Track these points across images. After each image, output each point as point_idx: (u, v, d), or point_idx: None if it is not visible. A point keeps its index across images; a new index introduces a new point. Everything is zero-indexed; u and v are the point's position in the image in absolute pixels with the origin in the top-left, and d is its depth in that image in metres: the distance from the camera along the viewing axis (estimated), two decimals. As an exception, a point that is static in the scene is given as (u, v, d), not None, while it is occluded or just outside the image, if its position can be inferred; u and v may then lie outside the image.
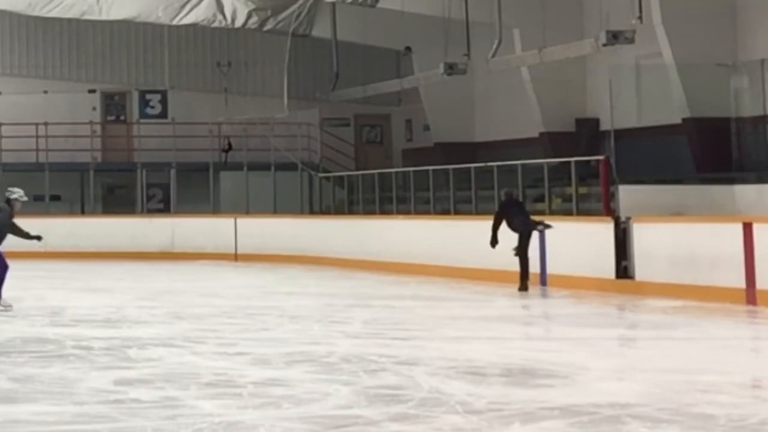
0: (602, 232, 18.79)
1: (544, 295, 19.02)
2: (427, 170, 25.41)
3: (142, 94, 33.60)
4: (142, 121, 33.13)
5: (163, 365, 10.74)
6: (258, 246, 28.57)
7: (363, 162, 31.81)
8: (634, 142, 21.64)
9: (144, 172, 31.71)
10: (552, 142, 24.77)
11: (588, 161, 21.08)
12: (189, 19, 29.02)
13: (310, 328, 13.86)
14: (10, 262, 15.84)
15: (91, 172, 31.63)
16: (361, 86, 29.58)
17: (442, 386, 9.25)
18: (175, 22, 29.33)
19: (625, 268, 18.38)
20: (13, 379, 9.93)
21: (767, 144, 20.11)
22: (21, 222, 16.27)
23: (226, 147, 31.55)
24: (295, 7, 28.87)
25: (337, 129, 32.47)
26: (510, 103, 26.68)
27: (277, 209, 30.07)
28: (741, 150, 20.76)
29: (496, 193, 21.94)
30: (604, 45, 20.47)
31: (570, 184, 20.89)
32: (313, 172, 30.94)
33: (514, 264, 18.89)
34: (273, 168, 30.89)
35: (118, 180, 32.94)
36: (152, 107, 33.51)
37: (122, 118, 33.74)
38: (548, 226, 19.05)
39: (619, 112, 21.42)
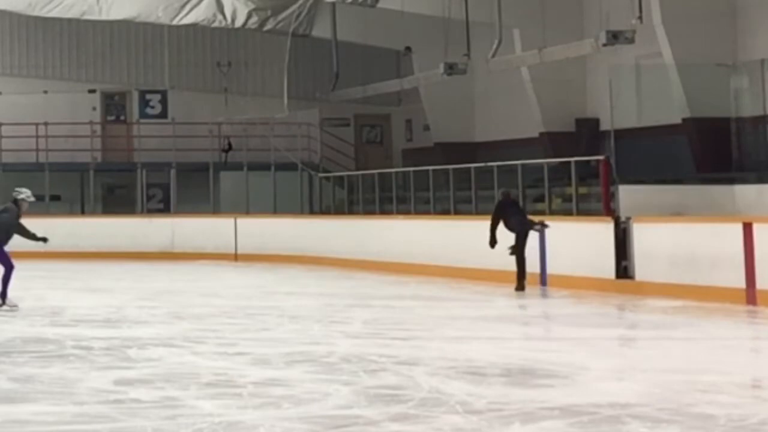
0: (602, 232, 18.79)
1: (544, 295, 19.02)
2: (427, 170, 25.41)
3: (142, 94, 33.60)
4: (142, 121, 33.13)
5: (163, 365, 10.74)
6: (258, 246, 28.57)
7: (363, 162, 31.81)
8: (634, 142, 21.64)
9: (144, 172, 31.71)
10: (552, 142, 24.77)
11: (588, 161, 21.08)
12: (189, 19, 29.02)
13: (310, 328, 13.86)
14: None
15: (91, 172, 31.63)
16: (361, 86, 29.58)
17: (442, 386, 9.25)
18: (175, 22, 29.33)
19: (625, 268, 18.38)
20: (13, 379, 9.93)
21: (767, 144, 20.11)
22: (22, 222, 16.27)
23: (226, 147, 31.55)
24: (295, 7, 28.87)
25: (337, 129, 32.47)
26: (510, 103, 26.68)
27: (277, 209, 30.07)
28: (741, 150, 20.76)
29: (496, 193, 21.91)
30: (604, 45, 20.48)
31: (570, 184, 20.89)
32: (313, 172, 30.94)
33: (514, 264, 18.88)
34: (273, 168, 30.89)
35: (118, 180, 32.94)
36: (152, 107, 33.51)
37: (122, 118, 33.74)
38: (545, 226, 19.06)
39: (619, 112, 21.42)
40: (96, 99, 33.43)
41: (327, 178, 30.85)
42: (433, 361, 10.75)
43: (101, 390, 9.34)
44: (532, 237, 19.21)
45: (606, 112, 22.33)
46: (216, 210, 30.85)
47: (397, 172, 27.76)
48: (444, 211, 24.51)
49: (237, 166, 31.01)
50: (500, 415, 8.08)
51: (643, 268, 18.01)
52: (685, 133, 21.18)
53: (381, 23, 27.86)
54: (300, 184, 30.87)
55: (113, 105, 33.79)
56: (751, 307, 15.70)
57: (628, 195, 19.03)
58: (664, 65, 21.09)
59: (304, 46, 31.23)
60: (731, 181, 19.49)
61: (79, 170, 31.57)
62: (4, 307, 15.72)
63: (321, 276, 23.46)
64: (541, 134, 25.15)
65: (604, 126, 23.45)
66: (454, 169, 24.46)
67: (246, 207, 30.21)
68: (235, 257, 28.90)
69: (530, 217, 19.26)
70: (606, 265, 18.50)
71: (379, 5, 25.84)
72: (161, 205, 32.18)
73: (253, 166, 30.84)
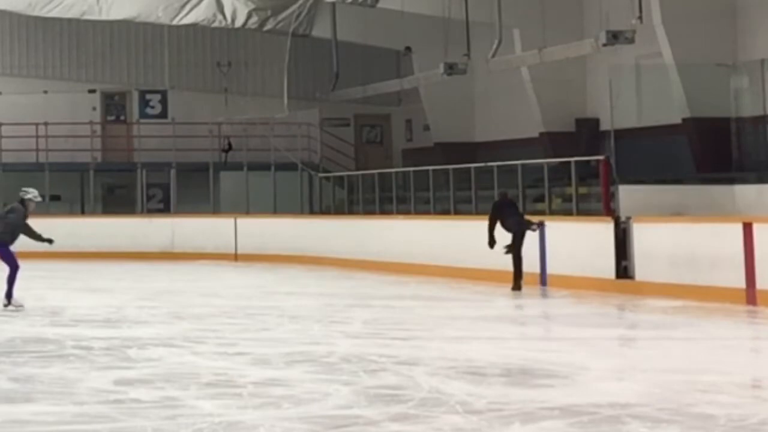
0: (602, 232, 18.79)
1: (543, 295, 19.03)
2: (427, 170, 25.41)
3: (142, 94, 33.60)
4: (142, 121, 33.13)
5: (163, 365, 10.74)
6: (258, 246, 28.57)
7: (363, 162, 31.81)
8: (634, 142, 21.64)
9: (144, 172, 31.71)
10: (552, 142, 24.77)
11: (588, 161, 21.08)
12: (189, 19, 29.02)
13: (310, 328, 13.86)
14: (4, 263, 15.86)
15: (91, 172, 31.63)
16: (361, 86, 29.58)
17: (442, 386, 9.25)
18: (175, 22, 29.33)
19: (625, 268, 18.38)
20: (13, 379, 9.94)
21: (767, 144, 20.11)
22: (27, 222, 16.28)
23: (226, 147, 31.55)
24: (295, 7, 28.87)
25: (337, 129, 32.47)
26: (510, 103, 26.68)
27: (277, 209, 30.07)
28: (741, 150, 20.76)
29: (496, 193, 21.94)
30: (604, 45, 20.48)
31: (570, 184, 20.89)
32: (313, 172, 30.94)
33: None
34: (273, 168, 30.89)
35: (118, 180, 32.94)
36: (152, 107, 33.51)
37: (122, 118, 33.74)
38: (541, 225, 19.06)
39: (619, 112, 21.42)
40: (96, 99, 33.43)
41: (327, 178, 30.86)
42: (433, 361, 10.75)
43: (101, 390, 9.34)
44: (534, 237, 19.24)
45: (606, 112, 22.33)
46: (216, 210, 30.85)
47: (397, 172, 27.76)
48: (444, 211, 24.51)
49: (237, 166, 31.00)
50: (500, 415, 8.08)
51: (643, 268, 18.01)
52: (685, 133, 21.18)
53: (381, 23, 27.85)
54: (300, 184, 30.87)
55: (113, 105, 33.79)
56: (751, 307, 15.70)
57: (628, 195, 19.03)
58: (664, 65, 21.09)
59: (304, 46, 31.23)
60: (731, 181, 19.49)
61: (79, 170, 31.56)
62: (10, 307, 15.71)
63: (321, 276, 23.46)
64: (541, 134, 25.15)
65: (604, 126, 23.45)
66: (454, 169, 24.46)
67: (246, 207, 30.21)
68: (235, 257, 28.90)
69: (527, 216, 19.28)
70: (606, 265, 18.50)
71: (379, 5, 25.84)
72: (161, 205, 32.18)
73: (253, 166, 30.84)
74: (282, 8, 28.90)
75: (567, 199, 21.25)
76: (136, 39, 33.35)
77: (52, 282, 21.28)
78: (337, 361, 10.75)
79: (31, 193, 16.17)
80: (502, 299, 18.02)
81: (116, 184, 33.04)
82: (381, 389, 9.20)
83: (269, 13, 28.89)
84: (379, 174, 27.95)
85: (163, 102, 33.41)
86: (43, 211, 28.76)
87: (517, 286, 18.65)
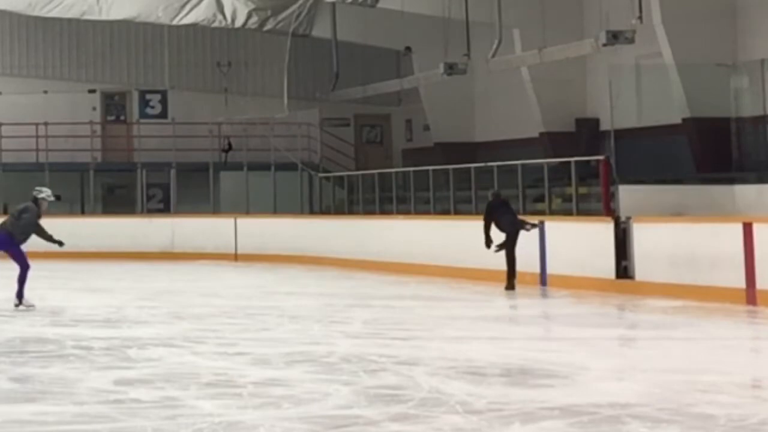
0: (602, 232, 18.79)
1: (543, 295, 19.03)
2: (427, 170, 25.41)
3: (142, 94, 33.60)
4: (142, 121, 33.14)
5: (163, 365, 10.74)
6: (258, 246, 28.57)
7: (363, 162, 31.82)
8: (634, 142, 21.65)
9: (144, 172, 31.72)
10: (552, 142, 24.77)
11: (588, 161, 21.08)
12: (189, 19, 29.02)
13: (310, 328, 13.86)
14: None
15: (91, 172, 31.63)
16: (361, 86, 29.58)
17: (442, 386, 9.25)
18: (175, 22, 29.33)
19: (625, 268, 18.38)
20: (13, 379, 9.94)
21: (767, 144, 20.11)
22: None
23: (226, 147, 31.55)
24: (295, 7, 28.87)
25: (337, 129, 32.48)
26: (510, 103, 26.69)
27: (277, 209, 30.07)
28: (741, 150, 20.76)
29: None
30: (604, 45, 20.47)
31: (570, 184, 20.89)
32: (313, 172, 30.94)
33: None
34: (273, 168, 30.89)
35: (118, 180, 32.94)
36: (152, 107, 33.51)
37: (122, 118, 33.74)
38: (535, 226, 19.08)
39: (619, 112, 21.42)
40: (96, 99, 33.43)
41: (327, 178, 30.86)
42: (433, 361, 10.75)
43: (101, 390, 9.34)
44: (534, 236, 19.26)
45: (606, 112, 22.33)
46: (216, 210, 30.85)
47: (397, 172, 27.76)
48: (444, 211, 24.51)
49: (237, 166, 31.00)
50: (500, 415, 8.08)
51: (643, 268, 18.01)
52: (685, 133, 21.18)
53: (381, 23, 27.85)
54: (300, 184, 30.87)
55: (113, 105, 33.80)
56: (751, 307, 15.70)
57: (628, 195, 19.03)
58: (664, 65, 21.09)
59: (304, 46, 31.23)
60: (731, 181, 19.49)
61: (79, 170, 31.56)
62: (21, 307, 15.69)
63: (321, 276, 23.46)
64: (541, 134, 25.15)
65: (604, 126, 23.46)
66: (454, 169, 24.46)
67: (246, 207, 30.21)
68: (235, 257, 28.90)
69: (521, 217, 19.30)
70: (606, 265, 18.50)
71: (379, 5, 25.84)
72: (161, 205, 32.18)
73: (253, 166, 30.84)
74: (282, 8, 28.90)
75: (567, 199, 21.25)
76: (136, 39, 33.35)
77: (52, 282, 21.26)
78: (337, 361, 10.75)
79: (45, 192, 16.11)
80: (502, 299, 18.03)
81: (116, 184, 33.04)
82: (381, 389, 9.20)
83: (269, 13, 28.89)
84: (379, 174, 27.95)
85: (163, 102, 33.42)
86: (44, 210, 28.89)
87: (510, 286, 18.71)
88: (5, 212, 30.23)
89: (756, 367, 11.23)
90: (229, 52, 33.22)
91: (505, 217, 18.84)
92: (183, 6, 28.85)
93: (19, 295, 15.77)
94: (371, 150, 32.61)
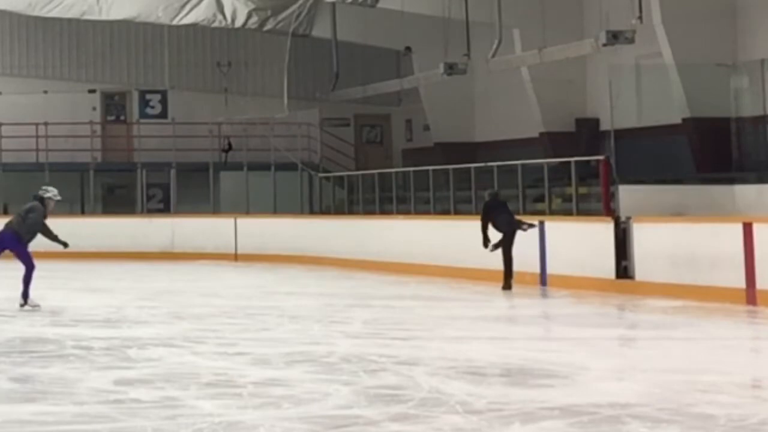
0: (602, 232, 18.79)
1: (543, 295, 19.03)
2: (427, 170, 25.41)
3: (142, 94, 33.60)
4: (142, 121, 33.14)
5: (163, 365, 10.74)
6: (258, 246, 28.57)
7: (363, 162, 31.82)
8: (634, 142, 21.65)
9: (144, 172, 31.72)
10: (552, 142, 24.77)
11: (588, 161, 21.08)
12: (189, 19, 29.02)
13: (310, 328, 13.86)
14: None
15: (91, 172, 31.63)
16: (361, 86, 29.58)
17: (442, 386, 9.25)
18: (175, 22, 29.33)
19: (625, 268, 18.38)
20: (13, 379, 9.94)
21: (767, 144, 20.11)
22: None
23: (226, 147, 31.56)
24: (295, 7, 28.87)
25: (337, 129, 32.48)
26: (510, 103, 26.69)
27: (277, 209, 30.07)
28: (741, 150, 20.76)
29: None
30: (604, 45, 20.47)
31: (570, 184, 20.90)
32: (313, 172, 30.94)
33: (514, 264, 18.90)
34: (273, 168, 30.89)
35: (118, 180, 32.94)
36: (152, 107, 33.51)
37: (122, 118, 33.75)
38: (532, 226, 19.09)
39: (619, 112, 21.42)
40: (96, 99, 33.43)
41: (327, 178, 30.86)
42: (433, 361, 10.75)
43: (101, 390, 9.34)
44: (534, 236, 19.26)
45: (606, 112, 22.33)
46: (216, 210, 30.85)
47: (397, 172, 27.76)
48: (444, 211, 24.51)
49: (237, 166, 31.01)
50: (500, 415, 8.08)
51: (643, 268, 18.01)
52: (685, 133, 21.18)
53: (381, 23, 27.85)
54: (300, 184, 30.87)
55: (113, 105, 33.80)
56: (751, 307, 15.70)
57: (628, 195, 19.03)
58: (664, 65, 21.09)
59: (304, 46, 31.23)
60: (731, 181, 19.49)
61: (79, 170, 31.55)
62: (26, 307, 15.67)
63: (321, 276, 23.46)
64: (541, 134, 25.15)
65: (604, 126, 23.46)
66: (454, 169, 24.46)
67: (246, 207, 30.21)
68: (235, 257, 28.89)
69: (518, 217, 19.32)
70: (606, 265, 18.50)
71: (379, 5, 25.84)
72: (161, 205, 32.18)
73: (253, 166, 30.84)
74: (282, 8, 28.90)
75: (567, 199, 21.25)
76: (136, 39, 33.35)
77: (52, 282, 21.24)
78: (337, 361, 10.75)
79: (51, 192, 16.07)
80: (502, 299, 18.03)
81: (116, 184, 33.04)
82: (381, 389, 9.20)
83: (269, 13, 28.89)
84: (379, 174, 27.95)
85: (163, 102, 33.42)
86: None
87: (507, 286, 18.74)
88: (5, 212, 30.28)
89: (756, 367, 11.23)
90: (229, 52, 33.22)
91: (502, 217, 18.88)
92: (183, 6, 28.85)
93: (25, 295, 15.75)
94: (371, 150, 32.61)
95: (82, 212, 31.70)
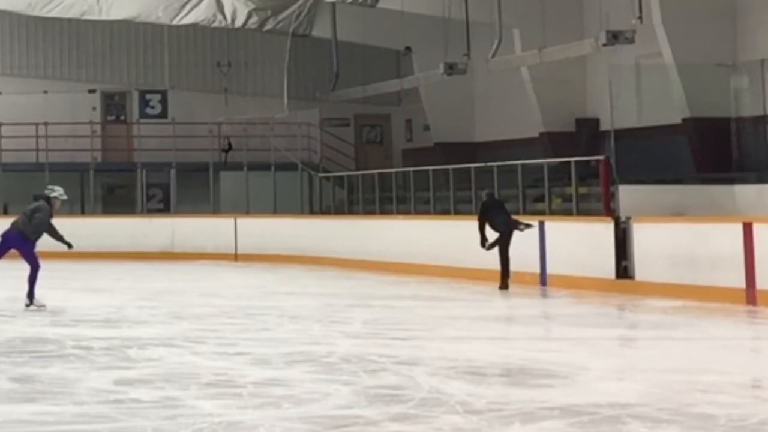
0: (602, 232, 18.79)
1: (543, 295, 19.03)
2: (427, 170, 25.41)
3: (142, 94, 33.61)
4: (142, 121, 33.14)
5: (163, 365, 10.74)
6: (258, 246, 28.57)
7: (363, 162, 31.82)
8: (634, 142, 21.64)
9: (144, 172, 31.72)
10: (552, 142, 24.77)
11: (588, 161, 21.08)
12: (189, 19, 29.02)
13: (310, 328, 13.86)
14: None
15: (91, 172, 31.63)
16: (361, 86, 29.58)
17: (442, 386, 9.25)
18: (175, 22, 29.33)
19: (625, 268, 18.38)
20: (13, 379, 9.94)
21: (767, 144, 20.11)
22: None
23: (226, 147, 31.56)
24: (295, 7, 28.87)
25: (337, 129, 32.48)
26: (510, 103, 26.69)
27: (277, 209, 30.07)
28: (741, 150, 20.76)
29: (496, 193, 21.95)
30: (604, 45, 20.48)
31: (570, 184, 20.90)
32: (313, 172, 30.94)
33: (514, 264, 18.92)
34: (273, 168, 30.89)
35: (118, 180, 32.94)
36: (152, 107, 33.51)
37: (122, 118, 33.75)
38: (529, 226, 19.10)
39: (619, 112, 21.42)
40: (96, 99, 33.43)
41: (327, 178, 30.86)
42: (433, 361, 10.75)
43: (101, 390, 9.34)
44: (533, 236, 19.27)
45: (606, 112, 22.33)
46: (216, 210, 30.85)
47: (397, 172, 27.76)
48: (444, 211, 24.50)
49: (237, 166, 31.01)
50: (500, 415, 8.08)
51: (643, 268, 18.01)
52: (685, 133, 21.18)
53: (381, 23, 27.85)
54: (300, 184, 30.87)
55: (113, 105, 33.80)
56: (751, 307, 15.70)
57: (628, 195, 19.03)
58: (664, 65, 21.09)
59: (304, 46, 31.23)
60: (731, 181, 19.50)
61: (79, 170, 31.54)
62: (32, 307, 15.65)
63: (321, 276, 23.46)
64: (541, 134, 25.15)
65: (604, 126, 23.46)
66: (454, 169, 24.46)
67: (246, 207, 30.21)
68: (235, 257, 28.89)
69: (515, 217, 19.33)
70: (606, 265, 18.50)
71: (379, 5, 25.84)
72: (161, 205, 32.19)
73: (253, 166, 30.84)
74: (282, 8, 28.90)
75: (567, 199, 21.25)
76: (136, 39, 33.35)
77: (52, 282, 21.23)
78: (337, 361, 10.75)
79: (57, 191, 16.04)
80: (502, 299, 18.03)
81: (116, 184, 33.04)
82: (381, 389, 9.20)
83: (269, 13, 28.89)
84: (379, 174, 27.95)
85: (163, 102, 33.42)
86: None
87: (504, 285, 18.78)
88: (5, 212, 30.30)
89: (756, 367, 11.23)
90: (229, 52, 33.22)
91: (499, 217, 18.93)
92: (183, 6, 28.85)
93: (30, 295, 15.72)
94: (371, 150, 32.61)
95: (82, 212, 31.69)
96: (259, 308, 16.77)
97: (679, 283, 17.04)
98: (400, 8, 25.04)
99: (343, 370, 10.18)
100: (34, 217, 15.74)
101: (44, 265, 15.96)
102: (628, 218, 18.51)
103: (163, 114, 33.18)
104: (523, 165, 22.19)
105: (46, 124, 31.35)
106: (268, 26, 29.02)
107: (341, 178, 30.16)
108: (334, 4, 28.01)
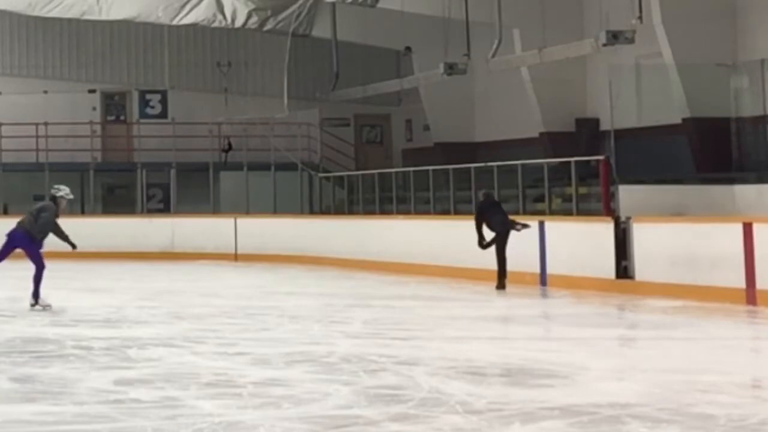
0: (602, 232, 18.79)
1: (543, 295, 19.03)
2: (427, 170, 25.41)
3: (142, 94, 33.61)
4: (142, 121, 33.14)
5: (163, 365, 10.74)
6: (258, 246, 28.57)
7: (363, 162, 31.82)
8: (634, 142, 21.65)
9: (144, 172, 31.72)
10: (552, 142, 24.78)
11: (588, 161, 21.08)
12: (189, 19, 29.02)
13: (310, 328, 13.86)
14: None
15: (91, 172, 31.62)
16: (361, 86, 29.58)
17: (442, 386, 9.25)
18: (175, 22, 29.33)
19: (625, 268, 18.38)
20: (13, 379, 9.94)
21: (767, 144, 20.11)
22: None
23: (226, 147, 31.56)
24: (295, 7, 28.87)
25: (337, 129, 32.48)
26: (510, 103, 26.69)
27: (277, 209, 30.07)
28: (741, 150, 20.76)
29: (496, 193, 21.96)
30: (604, 45, 20.48)
31: (570, 184, 20.90)
32: (313, 172, 30.94)
33: (514, 264, 18.93)
34: (273, 168, 30.89)
35: (118, 180, 32.94)
36: (152, 107, 33.51)
37: (122, 118, 33.75)
38: (526, 226, 19.10)
39: (619, 112, 21.42)
40: (96, 99, 33.44)
41: (327, 178, 30.86)
42: (433, 361, 10.75)
43: (101, 390, 9.34)
44: (532, 236, 19.27)
45: (606, 112, 22.33)
46: (216, 210, 30.85)
47: (397, 172, 27.76)
48: (444, 211, 24.51)
49: (237, 166, 31.01)
50: (500, 415, 8.08)
51: (643, 268, 18.01)
52: (685, 133, 21.18)
53: (381, 23, 27.85)
54: (300, 184, 30.87)
55: (113, 105, 33.80)
56: (751, 307, 15.70)
57: (628, 195, 19.04)
58: (664, 65, 21.09)
59: (304, 46, 31.23)
60: (731, 181, 19.50)
61: (79, 170, 31.51)
62: (37, 307, 15.63)
63: (321, 276, 23.46)
64: (541, 134, 25.15)
65: (604, 126, 23.46)
66: (454, 169, 24.46)
67: (246, 207, 30.21)
68: (235, 257, 28.89)
69: (513, 217, 19.34)
70: (606, 265, 18.50)
71: (379, 5, 25.84)
72: (161, 205, 32.19)
73: (253, 166, 30.84)
74: (282, 8, 28.90)
75: (567, 199, 21.26)
76: (136, 39, 33.35)
77: (52, 282, 21.20)
78: (337, 361, 10.75)
79: (63, 191, 16.02)
80: (502, 299, 18.03)
81: (116, 184, 33.04)
82: (381, 389, 9.20)
83: (269, 13, 28.89)
84: (379, 174, 27.95)
85: (163, 102, 33.42)
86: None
87: (501, 285, 18.79)
88: (5, 212, 30.31)
89: (756, 367, 11.23)
90: (229, 52, 33.22)
91: (495, 217, 18.94)
92: (183, 6, 28.85)
93: (35, 294, 15.71)
94: (371, 150, 32.62)
95: (82, 212, 31.67)
96: (259, 308, 16.77)
97: (679, 283, 17.04)
98: (400, 8, 25.04)
99: (343, 370, 10.18)
100: (40, 217, 15.73)
101: (46, 264, 15.94)
102: (628, 218, 18.51)
103: (163, 114, 33.18)
104: (523, 165, 22.19)
105: (46, 124, 31.35)
106: (268, 26, 29.02)
107: (341, 178, 30.16)
108: (334, 4, 28.01)
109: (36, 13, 30.06)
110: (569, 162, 20.95)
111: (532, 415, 8.06)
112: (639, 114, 22.32)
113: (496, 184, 22.22)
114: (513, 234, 18.87)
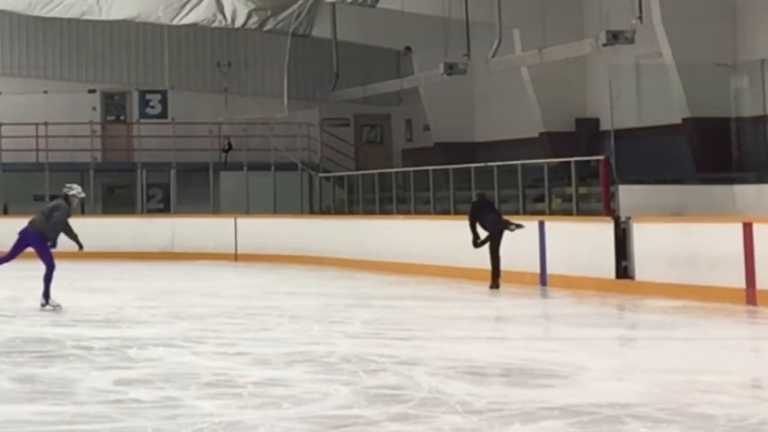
0: (602, 232, 18.79)
1: (543, 295, 19.03)
2: (427, 170, 25.41)
3: (142, 94, 33.61)
4: (142, 121, 33.14)
5: (163, 365, 10.74)
6: (258, 246, 28.57)
7: (363, 162, 31.82)
8: (634, 142, 21.65)
9: (144, 172, 31.72)
10: (552, 142, 24.78)
11: (588, 161, 21.08)
12: (189, 19, 29.02)
13: (310, 328, 13.86)
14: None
15: (91, 172, 31.61)
16: (361, 86, 29.58)
17: (442, 386, 9.25)
18: (175, 22, 29.33)
19: (625, 268, 18.38)
20: (13, 379, 9.93)
21: (767, 144, 20.11)
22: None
23: (226, 147, 31.56)
24: (295, 7, 28.87)
25: (337, 129, 32.48)
26: (510, 103, 26.69)
27: (277, 209, 30.07)
28: (741, 150, 20.76)
29: (496, 193, 21.98)
30: (604, 45, 20.48)
31: (570, 184, 20.90)
32: (313, 172, 30.94)
33: (513, 264, 18.93)
34: (273, 168, 30.89)
35: (118, 180, 32.94)
36: (152, 107, 33.51)
37: (122, 118, 33.75)
38: (520, 226, 19.11)
39: (619, 112, 21.42)
40: (96, 99, 33.44)
41: (327, 178, 30.86)
42: (433, 361, 10.75)
43: (101, 390, 9.34)
44: (532, 236, 19.27)
45: (606, 112, 22.33)
46: (216, 210, 30.85)
47: (397, 172, 27.76)
48: (444, 211, 24.50)
49: (237, 166, 31.01)
50: (500, 415, 8.08)
51: (643, 268, 18.01)
52: (685, 133, 21.18)
53: (381, 23, 27.85)
54: (300, 184, 30.87)
55: (113, 105, 33.80)
56: (751, 307, 15.70)
57: (628, 195, 19.03)
58: (664, 65, 21.09)
59: (304, 46, 31.23)
60: (731, 181, 19.50)
61: (79, 170, 31.47)
62: (48, 307, 15.61)
63: (321, 276, 23.45)
64: (541, 134, 25.15)
65: (604, 126, 23.46)
66: (454, 169, 24.46)
67: (246, 207, 30.21)
68: (235, 257, 28.89)
69: (505, 217, 19.34)
70: (606, 265, 18.50)
71: (379, 5, 25.84)
72: (161, 205, 32.19)
73: (253, 166, 30.84)
74: (282, 8, 28.90)
75: (567, 199, 21.25)
76: (136, 39, 33.35)
77: (52, 282, 21.23)
78: (337, 361, 10.75)
79: (75, 189, 15.99)
80: (502, 299, 18.03)
81: (116, 184, 33.04)
82: (381, 389, 9.20)
83: (269, 13, 28.89)
84: (379, 174, 27.95)
85: (163, 102, 33.42)
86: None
87: (495, 285, 18.83)
88: (5, 212, 30.31)
89: (756, 367, 11.23)
90: (229, 52, 33.22)
91: (489, 217, 18.99)
92: (183, 6, 28.86)
93: (46, 294, 15.68)
94: (371, 150, 32.61)
95: (82, 212, 31.58)
96: (259, 308, 16.77)
97: (679, 283, 17.04)
98: (400, 8, 25.04)
99: (343, 370, 10.19)
100: (52, 216, 15.71)
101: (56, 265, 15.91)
102: (628, 218, 18.51)
103: (163, 114, 33.18)
104: (523, 165, 22.19)
105: (46, 124, 31.35)
106: (268, 26, 29.02)
107: (341, 178, 30.16)
108: (334, 4, 28.01)
109: (36, 13, 30.06)
110: (569, 162, 20.94)
111: (532, 415, 8.06)
112: (639, 114, 22.32)
113: (496, 184, 22.22)
114: (513, 234, 18.87)
